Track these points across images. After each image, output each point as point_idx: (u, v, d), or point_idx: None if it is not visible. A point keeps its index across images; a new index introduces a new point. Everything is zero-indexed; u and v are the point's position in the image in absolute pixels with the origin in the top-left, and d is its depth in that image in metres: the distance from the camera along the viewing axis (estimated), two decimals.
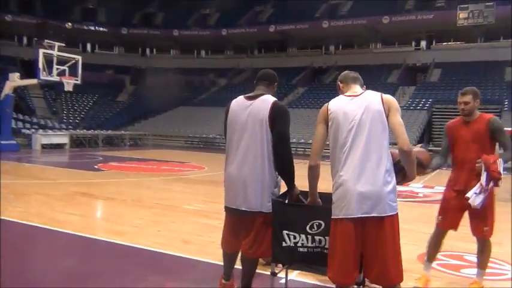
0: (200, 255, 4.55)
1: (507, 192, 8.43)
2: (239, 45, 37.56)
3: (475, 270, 4.27)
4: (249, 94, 3.17)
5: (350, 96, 2.71)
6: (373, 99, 2.63)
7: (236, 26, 35.24)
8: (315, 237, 2.77)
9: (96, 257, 4.55)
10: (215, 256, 4.45)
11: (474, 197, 3.25)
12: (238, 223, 3.10)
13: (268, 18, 35.68)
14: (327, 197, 3.09)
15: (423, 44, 33.13)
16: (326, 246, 2.74)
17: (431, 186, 10.19)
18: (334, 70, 33.19)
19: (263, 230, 3.02)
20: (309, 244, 2.79)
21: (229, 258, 3.28)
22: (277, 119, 2.97)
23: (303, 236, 2.80)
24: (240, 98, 3.17)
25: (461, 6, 28.64)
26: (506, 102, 23.85)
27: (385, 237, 2.46)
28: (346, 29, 31.82)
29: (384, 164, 2.52)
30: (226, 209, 3.19)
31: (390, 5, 30.42)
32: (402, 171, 2.63)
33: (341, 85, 2.88)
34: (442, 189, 3.91)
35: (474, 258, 4.74)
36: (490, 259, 3.84)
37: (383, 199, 2.48)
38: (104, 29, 36.08)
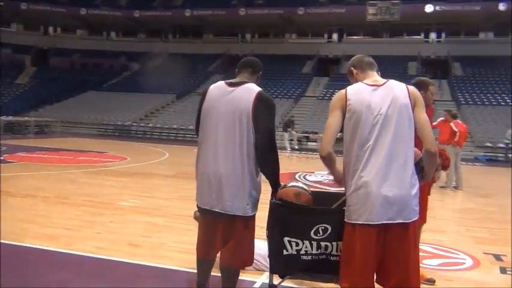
0: (155, 259, 4.08)
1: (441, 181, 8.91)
2: (153, 29, 36.00)
3: (436, 261, 4.35)
4: (231, 80, 2.80)
5: (372, 85, 2.42)
6: (399, 91, 2.38)
7: (150, 8, 33.72)
8: (321, 243, 2.51)
9: (29, 268, 3.82)
10: (173, 261, 4.04)
11: None
12: (212, 226, 2.74)
13: (183, 2, 34.61)
14: (327, 196, 2.87)
15: (335, 36, 34.43)
16: (333, 253, 2.50)
17: None
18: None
19: (244, 237, 2.71)
20: (314, 251, 2.53)
21: (204, 266, 2.88)
22: (263, 112, 2.63)
23: (306, 242, 2.52)
24: (220, 83, 2.79)
25: (371, 2, 30.14)
26: None
27: (409, 244, 2.27)
28: (262, 17, 31.96)
29: (410, 165, 2.31)
30: (199, 209, 2.83)
31: None
32: (421, 172, 2.46)
33: (355, 71, 2.59)
34: None
35: (436, 250, 4.86)
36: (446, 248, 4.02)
37: (409, 204, 2.27)
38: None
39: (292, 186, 2.75)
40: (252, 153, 2.65)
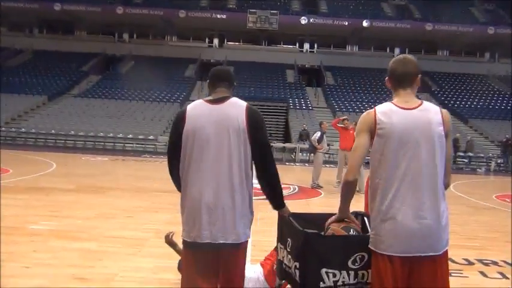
0: None
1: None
2: (15, 22, 32.17)
3: None
4: (210, 97, 2.53)
5: (405, 108, 2.29)
6: (434, 117, 2.27)
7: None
8: (358, 272, 2.44)
9: None
10: None
11: None
12: (215, 260, 2.44)
13: None
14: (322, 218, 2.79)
15: (216, 41, 34.72)
16: (368, 281, 2.46)
17: None
18: (129, 59, 31.80)
19: (242, 263, 2.54)
20: (351, 281, 2.43)
21: None
22: (257, 127, 2.44)
23: (344, 272, 2.41)
24: (199, 102, 2.52)
25: (251, 10, 31.12)
26: (291, 101, 27.05)
27: (439, 275, 2.23)
28: (141, 18, 30.82)
29: (442, 196, 2.26)
30: (194, 244, 2.42)
31: (186, 0, 30.81)
32: None
33: (389, 85, 2.42)
34: None
35: None
36: None
37: (441, 235, 2.24)
38: None
39: (344, 228, 2.59)
40: (249, 172, 2.47)
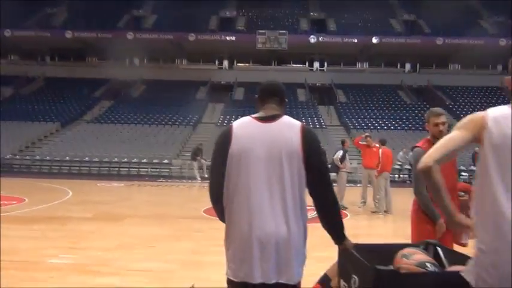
0: None
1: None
2: (27, 50, 32.58)
3: None
4: (260, 114, 2.23)
5: None
6: None
7: (23, 28, 30.50)
8: None
9: None
10: None
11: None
12: None
13: (64, 23, 32.08)
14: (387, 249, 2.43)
15: (225, 63, 34.79)
16: None
17: None
18: (140, 84, 31.91)
19: None
20: None
21: None
22: (314, 150, 2.13)
23: None
24: (247, 119, 2.22)
25: (260, 31, 31.19)
26: (304, 120, 26.76)
27: None
28: (152, 42, 30.98)
29: None
30: (243, 285, 2.06)
31: (195, 23, 30.99)
32: None
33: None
34: None
35: None
36: None
37: None
38: None
39: (418, 264, 2.22)
40: (304, 201, 2.16)
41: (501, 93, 30.98)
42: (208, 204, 2.29)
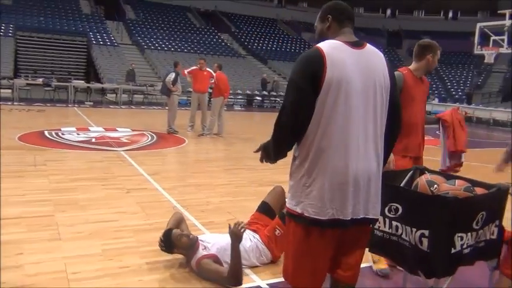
0: None
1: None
2: None
3: None
4: (348, 38, 1.90)
5: None
6: None
7: None
8: (479, 231, 2.30)
9: None
10: None
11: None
12: (354, 238, 2.00)
13: None
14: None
15: None
16: (489, 238, 2.35)
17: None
18: None
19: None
20: (472, 242, 2.29)
21: None
22: (396, 84, 2.02)
23: (469, 234, 2.26)
24: (338, 43, 1.85)
25: None
26: (92, 35, 24.19)
27: None
28: None
29: None
30: (333, 222, 1.87)
31: None
32: None
33: None
34: None
35: None
36: None
37: None
38: None
39: (465, 189, 2.35)
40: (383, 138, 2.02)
41: (277, 26, 34.32)
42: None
